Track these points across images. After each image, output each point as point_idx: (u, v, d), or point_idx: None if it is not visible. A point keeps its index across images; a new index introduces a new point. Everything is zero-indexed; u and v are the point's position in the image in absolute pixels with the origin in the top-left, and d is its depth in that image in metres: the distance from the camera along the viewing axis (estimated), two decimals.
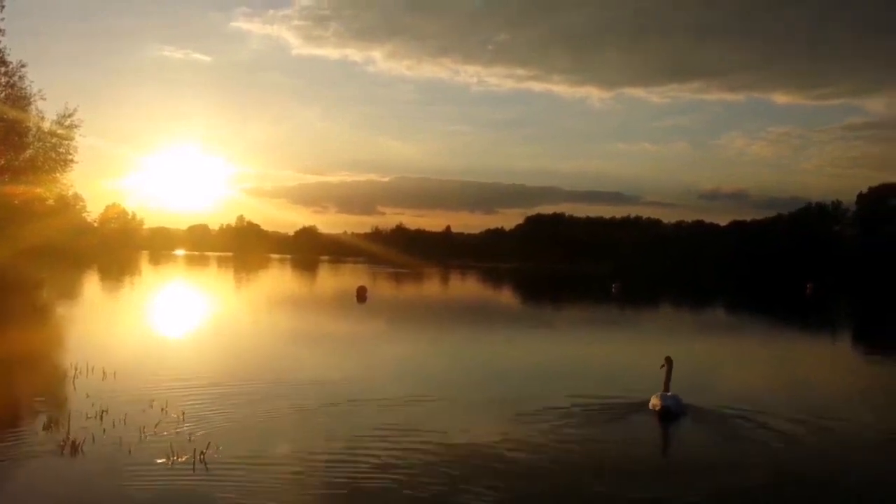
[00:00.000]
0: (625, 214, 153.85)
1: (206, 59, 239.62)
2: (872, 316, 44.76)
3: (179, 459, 9.25)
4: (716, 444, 11.46)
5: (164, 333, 24.05)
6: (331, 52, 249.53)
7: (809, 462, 10.57)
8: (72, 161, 52.27)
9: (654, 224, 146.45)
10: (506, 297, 55.54)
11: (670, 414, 12.79)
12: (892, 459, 11.29)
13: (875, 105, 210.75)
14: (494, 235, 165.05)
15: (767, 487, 9.31)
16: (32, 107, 48.42)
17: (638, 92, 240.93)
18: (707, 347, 24.74)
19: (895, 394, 17.46)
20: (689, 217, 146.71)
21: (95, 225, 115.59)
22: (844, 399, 15.68)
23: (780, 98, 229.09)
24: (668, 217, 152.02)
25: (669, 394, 13.28)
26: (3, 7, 41.76)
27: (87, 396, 12.48)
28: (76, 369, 14.72)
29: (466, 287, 65.02)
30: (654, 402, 13.18)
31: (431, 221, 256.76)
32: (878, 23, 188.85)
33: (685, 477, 9.67)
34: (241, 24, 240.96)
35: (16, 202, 49.61)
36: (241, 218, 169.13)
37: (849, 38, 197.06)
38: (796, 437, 11.83)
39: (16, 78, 47.02)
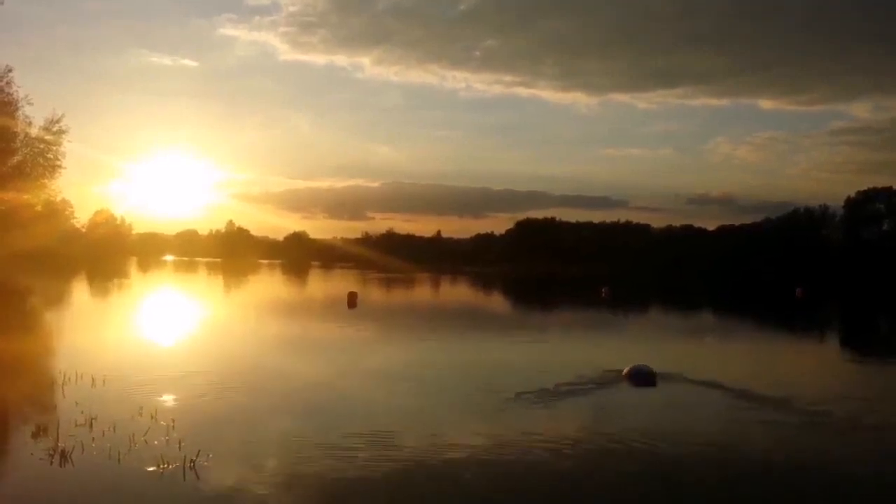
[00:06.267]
0: (613, 219, 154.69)
1: (194, 64, 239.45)
2: (861, 320, 45.07)
3: (169, 467, 9.23)
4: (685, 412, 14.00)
5: (153, 340, 23.93)
6: (318, 59, 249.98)
7: (777, 442, 10.87)
8: (60, 167, 52.23)
9: (644, 229, 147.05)
10: (496, 302, 55.62)
11: (644, 377, 16.20)
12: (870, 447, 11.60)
13: (860, 110, 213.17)
14: (484, 240, 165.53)
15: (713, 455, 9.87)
16: (20, 112, 48.28)
17: (624, 98, 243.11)
18: (693, 349, 24.81)
19: (879, 391, 17.56)
20: (676, 221, 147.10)
21: (84, 231, 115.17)
22: (828, 398, 15.74)
23: (766, 103, 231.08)
24: (656, 221, 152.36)
25: (641, 364, 16.72)
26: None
27: (77, 404, 12.39)
28: (65, 376, 14.62)
29: (456, 292, 65.06)
30: (629, 370, 16.56)
31: (421, 226, 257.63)
32: (860, 30, 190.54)
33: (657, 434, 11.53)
34: (228, 31, 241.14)
35: (3, 208, 49.41)
36: (230, 223, 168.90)
37: (833, 45, 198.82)
38: (751, 418, 13.02)
39: (3, 83, 46.87)
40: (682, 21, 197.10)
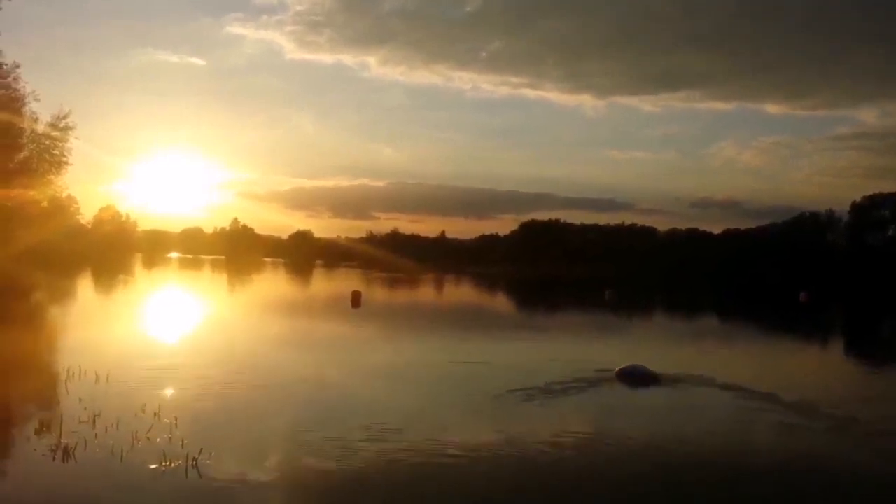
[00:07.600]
0: (618, 221, 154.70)
1: (201, 63, 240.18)
2: (865, 324, 44.94)
3: (172, 465, 9.25)
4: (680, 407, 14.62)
5: (157, 337, 23.99)
6: (325, 58, 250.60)
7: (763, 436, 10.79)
8: (66, 163, 52.29)
9: (649, 232, 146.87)
10: (499, 303, 55.59)
11: (640, 376, 16.35)
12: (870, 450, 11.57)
13: (865, 115, 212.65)
14: (489, 241, 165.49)
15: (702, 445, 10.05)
16: (27, 108, 48.35)
17: (630, 100, 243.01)
18: (694, 351, 24.74)
19: (881, 394, 17.53)
20: (680, 224, 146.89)
21: (89, 227, 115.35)
22: (831, 400, 15.69)
23: (771, 108, 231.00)
24: (660, 224, 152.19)
25: (637, 364, 16.82)
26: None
27: (80, 400, 12.41)
28: (69, 372, 14.66)
29: (460, 292, 65.03)
30: (622, 368, 16.70)
31: (426, 226, 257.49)
32: (860, 30, 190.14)
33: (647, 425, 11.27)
34: (235, 30, 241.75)
35: (9, 204, 49.44)
36: (235, 221, 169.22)
37: (838, 48, 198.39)
38: (734, 413, 12.66)
39: (10, 79, 46.94)
40: (687, 24, 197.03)
